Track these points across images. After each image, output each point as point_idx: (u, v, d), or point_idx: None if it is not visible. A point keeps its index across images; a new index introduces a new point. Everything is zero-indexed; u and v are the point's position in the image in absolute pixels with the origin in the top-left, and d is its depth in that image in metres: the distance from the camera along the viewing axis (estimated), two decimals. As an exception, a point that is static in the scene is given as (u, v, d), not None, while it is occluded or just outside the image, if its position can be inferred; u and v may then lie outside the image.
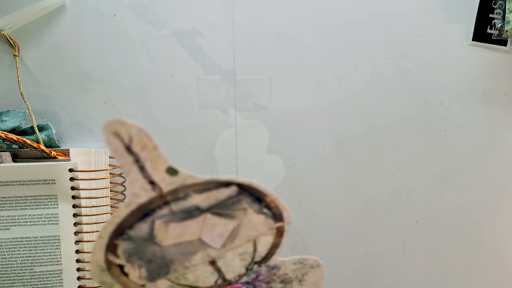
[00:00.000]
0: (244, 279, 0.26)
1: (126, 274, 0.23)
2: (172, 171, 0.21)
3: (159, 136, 0.53)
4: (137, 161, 0.19)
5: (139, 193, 0.20)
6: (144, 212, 0.21)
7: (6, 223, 0.43)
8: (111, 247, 0.22)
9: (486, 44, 0.54)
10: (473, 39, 0.54)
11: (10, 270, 0.43)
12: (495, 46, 0.54)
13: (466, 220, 0.57)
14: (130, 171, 0.20)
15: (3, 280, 0.43)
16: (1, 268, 0.43)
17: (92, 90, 0.52)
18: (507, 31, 0.51)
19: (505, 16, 0.52)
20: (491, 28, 0.53)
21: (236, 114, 0.53)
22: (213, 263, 0.24)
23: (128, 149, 0.19)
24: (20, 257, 0.44)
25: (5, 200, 0.43)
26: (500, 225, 0.57)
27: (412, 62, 0.54)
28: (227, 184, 0.22)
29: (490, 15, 0.53)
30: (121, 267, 0.23)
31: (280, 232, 0.24)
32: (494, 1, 0.53)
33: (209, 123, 0.53)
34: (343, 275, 0.58)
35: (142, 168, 0.20)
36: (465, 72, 0.54)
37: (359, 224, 0.56)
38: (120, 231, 0.21)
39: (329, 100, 0.54)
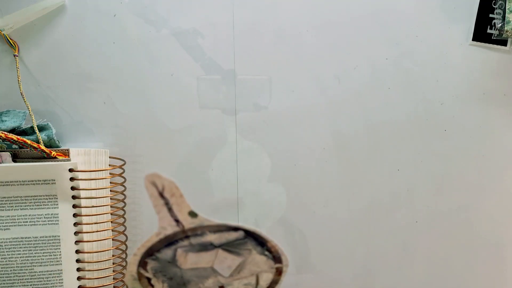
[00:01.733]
0: None
1: (152, 286, 0.30)
2: (192, 214, 0.28)
3: (159, 136, 0.53)
4: (167, 204, 0.27)
5: (166, 227, 0.28)
6: (169, 241, 0.29)
7: (6, 223, 0.43)
8: (142, 263, 0.29)
9: (486, 44, 0.54)
10: (473, 39, 0.54)
11: (10, 270, 0.43)
12: (495, 46, 0.54)
13: (466, 220, 0.57)
14: (161, 210, 0.28)
15: (3, 280, 0.43)
16: (1, 268, 0.43)
17: (92, 90, 0.52)
18: (507, 31, 0.51)
19: (505, 16, 0.52)
20: (491, 28, 0.53)
21: (236, 114, 0.53)
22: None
23: (161, 195, 0.27)
24: (20, 257, 0.44)
25: (5, 200, 0.43)
26: (500, 225, 0.57)
27: (412, 62, 0.54)
28: (235, 228, 0.29)
29: (490, 15, 0.53)
30: (149, 279, 0.30)
31: (279, 272, 0.31)
32: (494, 1, 0.53)
33: (209, 123, 0.53)
34: (343, 275, 0.57)
35: (170, 209, 0.28)
36: (465, 72, 0.54)
37: (359, 224, 0.56)
38: (150, 252, 0.29)
39: (329, 100, 0.54)
